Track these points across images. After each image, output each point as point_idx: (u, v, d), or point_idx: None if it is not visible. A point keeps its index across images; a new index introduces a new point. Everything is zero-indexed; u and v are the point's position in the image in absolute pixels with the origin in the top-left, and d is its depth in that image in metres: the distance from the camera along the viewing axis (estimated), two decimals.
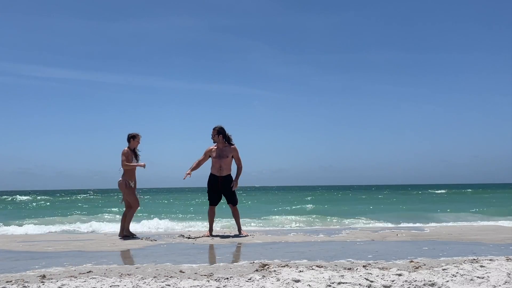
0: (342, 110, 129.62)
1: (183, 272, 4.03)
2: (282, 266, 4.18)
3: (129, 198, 7.30)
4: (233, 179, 7.32)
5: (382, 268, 4.05)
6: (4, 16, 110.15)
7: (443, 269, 3.94)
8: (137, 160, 7.39)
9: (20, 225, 13.04)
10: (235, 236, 7.34)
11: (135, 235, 7.44)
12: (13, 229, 11.94)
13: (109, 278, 3.75)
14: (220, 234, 7.68)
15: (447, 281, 3.53)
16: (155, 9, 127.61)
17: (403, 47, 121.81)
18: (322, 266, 4.17)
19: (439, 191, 51.03)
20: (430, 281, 3.52)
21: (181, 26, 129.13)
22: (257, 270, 4.04)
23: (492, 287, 3.43)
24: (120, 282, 3.57)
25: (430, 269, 4.00)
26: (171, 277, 3.81)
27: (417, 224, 11.68)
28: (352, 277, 3.63)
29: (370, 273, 3.78)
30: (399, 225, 11.57)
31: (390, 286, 3.44)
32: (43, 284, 3.55)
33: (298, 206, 24.82)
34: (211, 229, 7.49)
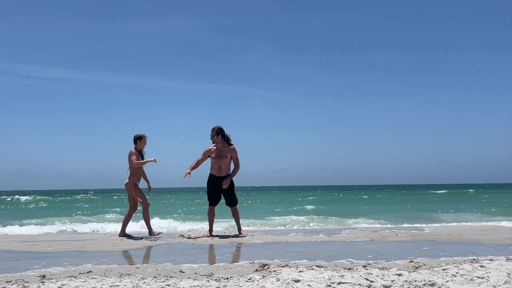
0: (342, 110, 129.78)
1: (183, 272, 4.03)
2: (282, 266, 4.18)
3: (139, 197, 7.35)
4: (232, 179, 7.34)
5: (382, 268, 4.05)
6: (4, 16, 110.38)
7: (443, 269, 3.94)
8: None
9: (20, 225, 13.02)
10: (235, 236, 7.34)
11: (154, 234, 7.55)
12: (13, 229, 11.93)
13: (109, 278, 3.75)
14: (220, 234, 7.68)
15: (447, 281, 3.53)
16: (155, 9, 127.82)
17: (403, 47, 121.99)
18: (322, 266, 4.17)
19: (439, 191, 50.98)
20: (430, 281, 3.52)
21: (181, 26, 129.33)
22: (257, 270, 4.04)
23: (492, 287, 3.43)
24: (120, 282, 3.57)
25: (430, 269, 4.00)
26: (171, 277, 3.81)
27: (417, 224, 11.67)
28: (352, 277, 3.63)
29: (370, 273, 3.78)
30: (399, 225, 11.56)
31: (390, 286, 3.44)
32: (43, 284, 3.55)
33: (298, 206, 24.80)
34: (211, 229, 7.50)
